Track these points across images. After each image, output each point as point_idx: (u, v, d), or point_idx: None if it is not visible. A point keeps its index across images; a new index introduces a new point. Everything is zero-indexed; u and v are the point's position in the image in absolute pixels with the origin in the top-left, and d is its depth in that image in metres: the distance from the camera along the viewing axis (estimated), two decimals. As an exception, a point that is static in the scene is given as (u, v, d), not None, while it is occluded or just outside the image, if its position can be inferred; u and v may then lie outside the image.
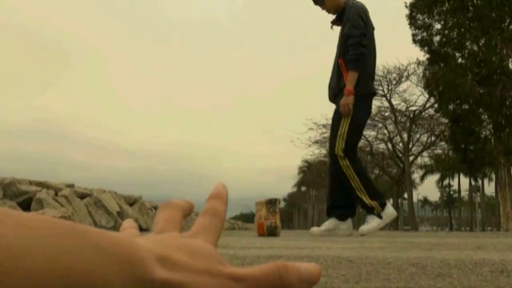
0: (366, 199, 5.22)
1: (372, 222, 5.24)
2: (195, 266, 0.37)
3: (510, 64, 27.52)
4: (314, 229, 5.57)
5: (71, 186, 9.58)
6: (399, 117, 38.60)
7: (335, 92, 5.46)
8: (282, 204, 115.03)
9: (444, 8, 28.87)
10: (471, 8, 27.87)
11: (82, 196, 9.42)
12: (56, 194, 8.56)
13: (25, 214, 0.30)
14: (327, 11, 5.67)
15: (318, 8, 5.72)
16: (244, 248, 2.50)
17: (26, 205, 7.75)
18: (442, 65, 28.76)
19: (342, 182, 5.36)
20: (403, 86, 37.44)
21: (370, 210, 5.25)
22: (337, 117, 5.43)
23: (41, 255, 0.27)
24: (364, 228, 5.28)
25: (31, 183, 8.62)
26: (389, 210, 5.25)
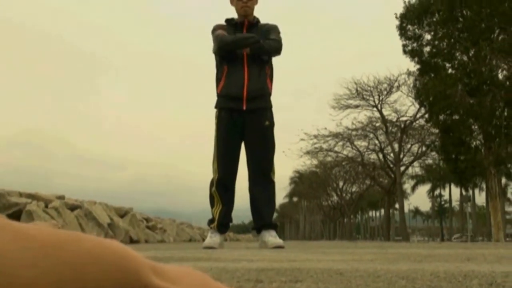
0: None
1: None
2: (188, 280, 0.38)
3: (499, 75, 27.74)
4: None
5: (61, 197, 9.53)
6: (390, 128, 38.73)
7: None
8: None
9: (434, 19, 29.08)
10: (460, 19, 28.09)
11: (72, 208, 9.37)
12: (46, 206, 8.52)
13: (20, 225, 0.30)
14: (249, 9, 5.32)
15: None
16: (235, 260, 2.50)
17: (16, 218, 7.70)
18: (432, 75, 28.90)
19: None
20: (394, 96, 37.55)
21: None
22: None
23: (37, 266, 0.27)
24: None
25: (21, 195, 8.58)
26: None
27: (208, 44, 5.27)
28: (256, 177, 5.18)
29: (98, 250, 0.32)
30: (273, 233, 5.08)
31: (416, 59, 30.15)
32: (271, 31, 5.28)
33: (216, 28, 5.27)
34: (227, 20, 5.35)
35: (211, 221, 5.25)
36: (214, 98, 5.28)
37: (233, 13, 5.40)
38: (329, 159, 46.54)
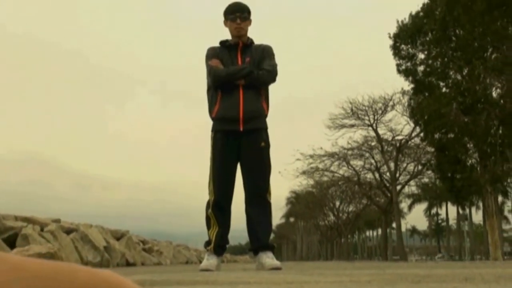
0: None
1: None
2: None
3: (493, 93, 27.90)
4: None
5: (57, 221, 9.49)
6: (386, 147, 38.81)
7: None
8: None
9: (427, 39, 29.30)
10: (453, 38, 28.32)
11: (68, 231, 9.33)
12: (42, 230, 8.48)
13: (15, 256, 0.30)
14: (243, 30, 5.33)
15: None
16: (232, 283, 2.49)
17: (11, 241, 7.66)
18: (426, 94, 29.06)
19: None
20: (389, 115, 37.66)
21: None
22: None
23: None
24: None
25: (16, 218, 8.54)
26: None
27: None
28: (252, 198, 5.18)
29: (93, 282, 0.32)
30: (270, 254, 5.06)
31: (410, 78, 30.33)
32: (266, 55, 5.29)
33: (209, 55, 5.29)
34: (221, 42, 5.38)
35: (207, 243, 5.24)
36: (207, 121, 5.31)
37: (227, 35, 5.44)
38: (325, 179, 46.55)
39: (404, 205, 64.81)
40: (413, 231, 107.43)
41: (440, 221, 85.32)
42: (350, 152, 40.19)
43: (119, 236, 11.81)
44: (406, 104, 33.80)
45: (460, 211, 61.56)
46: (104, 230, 11.12)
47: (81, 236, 9.45)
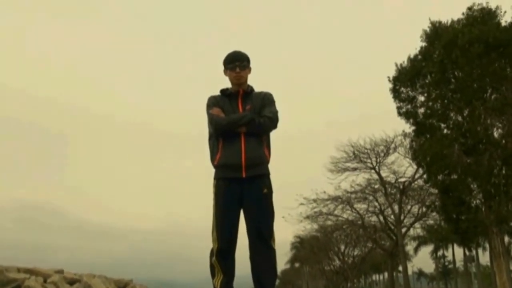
0: None
1: None
2: None
3: (495, 133, 27.95)
4: None
5: (60, 272, 9.42)
6: (389, 189, 38.64)
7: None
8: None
9: (427, 81, 29.49)
10: (453, 80, 28.52)
11: (71, 282, 9.24)
12: (45, 281, 8.41)
13: None
14: (243, 78, 5.41)
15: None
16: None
17: (14, 294, 7.57)
18: (428, 136, 29.10)
19: None
20: (391, 158, 37.61)
21: None
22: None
23: None
24: None
25: (19, 270, 8.47)
26: None
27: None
28: (257, 245, 5.17)
29: None
30: None
31: (411, 120, 30.42)
32: (266, 102, 5.38)
33: (210, 104, 5.36)
34: (221, 91, 5.47)
35: None
36: (208, 168, 5.36)
37: (227, 83, 5.53)
38: (329, 223, 46.16)
39: (410, 247, 64.22)
40: (420, 274, 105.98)
41: (447, 263, 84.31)
42: (353, 196, 39.97)
43: (122, 285, 11.69)
44: (408, 146, 33.80)
45: (467, 253, 60.91)
46: (107, 279, 11.02)
47: (85, 287, 9.36)
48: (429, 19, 29.51)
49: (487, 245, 46.16)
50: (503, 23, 26.95)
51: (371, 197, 40.12)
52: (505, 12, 27.20)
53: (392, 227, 40.40)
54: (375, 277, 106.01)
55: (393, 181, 38.43)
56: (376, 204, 40.48)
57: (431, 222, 46.38)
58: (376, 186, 39.16)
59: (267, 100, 5.40)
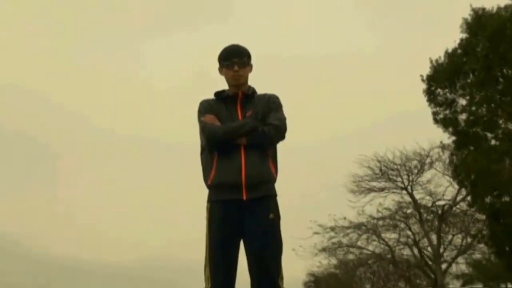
0: None
1: None
2: None
3: (554, 144, 27.91)
4: None
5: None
6: (425, 215, 38.47)
7: None
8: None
9: (469, 81, 29.40)
10: (501, 79, 28.43)
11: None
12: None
13: None
14: (242, 78, 5.32)
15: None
16: None
17: None
18: (472, 148, 29.02)
19: None
20: (427, 175, 37.40)
21: None
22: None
23: None
24: None
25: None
26: None
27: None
28: (261, 285, 5.07)
29: None
30: None
31: (450, 129, 30.31)
32: (272, 106, 5.24)
33: (202, 110, 5.24)
34: (216, 94, 5.33)
35: None
36: (201, 190, 5.26)
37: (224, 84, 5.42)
38: (351, 257, 45.85)
39: (452, 288, 63.82)
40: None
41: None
42: (380, 223, 39.77)
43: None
44: (447, 161, 33.77)
45: (524, 294, 60.55)
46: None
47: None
48: (470, 6, 29.49)
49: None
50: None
51: (402, 225, 39.94)
52: None
53: (430, 263, 40.19)
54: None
55: (429, 204, 38.29)
56: (409, 233, 40.26)
57: (478, 256, 46.08)
58: (409, 211, 39.02)
59: (272, 104, 5.26)
